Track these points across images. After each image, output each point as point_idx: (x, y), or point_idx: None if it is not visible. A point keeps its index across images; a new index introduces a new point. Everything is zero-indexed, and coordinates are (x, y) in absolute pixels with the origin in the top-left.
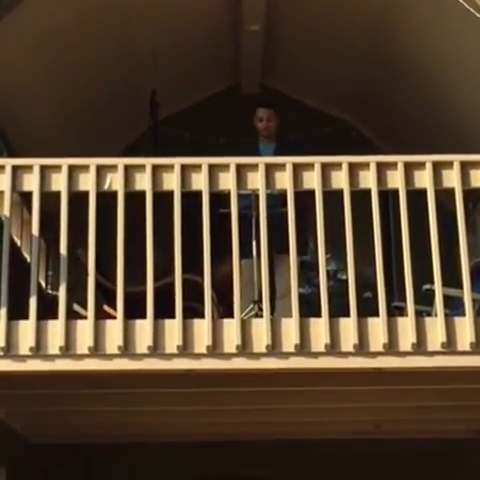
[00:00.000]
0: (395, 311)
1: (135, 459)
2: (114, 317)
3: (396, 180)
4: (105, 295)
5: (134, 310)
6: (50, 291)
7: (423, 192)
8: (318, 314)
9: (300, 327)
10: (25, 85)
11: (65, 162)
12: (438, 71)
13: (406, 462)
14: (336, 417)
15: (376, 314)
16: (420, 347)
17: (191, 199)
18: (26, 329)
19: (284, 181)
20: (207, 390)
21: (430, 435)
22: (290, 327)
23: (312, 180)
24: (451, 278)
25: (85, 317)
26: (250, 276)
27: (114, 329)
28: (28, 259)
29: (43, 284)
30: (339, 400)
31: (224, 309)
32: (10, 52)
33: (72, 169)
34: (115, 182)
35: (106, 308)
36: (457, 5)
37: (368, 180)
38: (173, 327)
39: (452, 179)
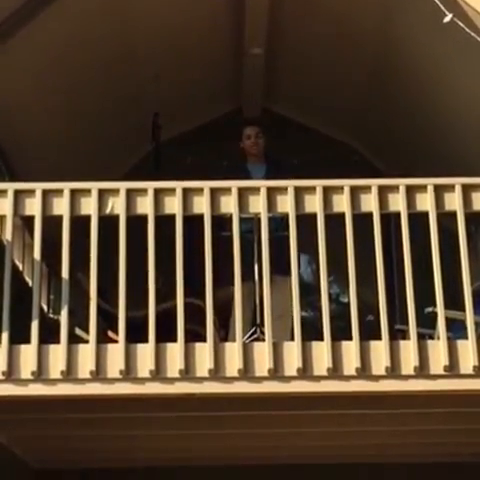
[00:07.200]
0: (397, 334)
1: None
2: (117, 341)
3: (398, 203)
4: (107, 319)
5: (137, 334)
6: (52, 315)
7: (425, 215)
8: (320, 337)
9: (302, 350)
10: (27, 109)
11: (67, 186)
12: (442, 96)
13: None
14: (339, 441)
15: (378, 337)
16: (422, 370)
17: (192, 223)
18: (28, 353)
19: (286, 204)
20: (209, 414)
21: (434, 459)
22: (292, 350)
23: (314, 203)
24: (453, 301)
25: (87, 341)
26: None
27: (116, 353)
28: (30, 283)
29: (45, 308)
30: (341, 424)
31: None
32: (12, 75)
33: (74, 193)
34: (117, 206)
35: (110, 334)
36: (459, 29)
37: (370, 203)
38: (175, 351)
39: (454, 202)
